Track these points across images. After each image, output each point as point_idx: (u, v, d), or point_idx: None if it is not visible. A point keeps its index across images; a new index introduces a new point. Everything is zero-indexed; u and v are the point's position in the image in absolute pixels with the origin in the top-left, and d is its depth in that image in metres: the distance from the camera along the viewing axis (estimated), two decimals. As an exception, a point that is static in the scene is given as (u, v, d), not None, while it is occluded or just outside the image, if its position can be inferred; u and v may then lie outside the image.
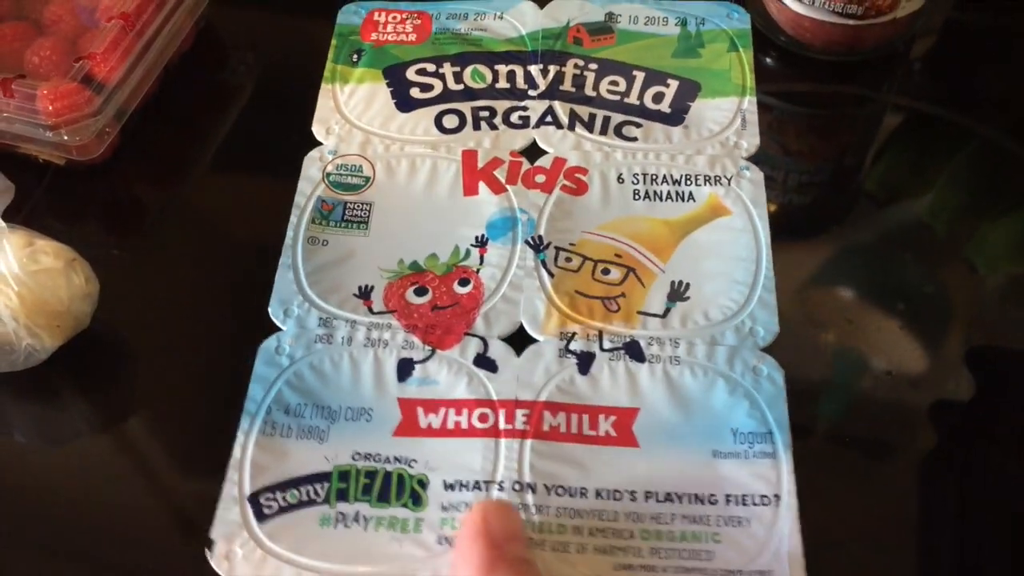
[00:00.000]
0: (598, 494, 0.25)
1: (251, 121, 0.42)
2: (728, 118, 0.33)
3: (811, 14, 0.44)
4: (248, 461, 0.26)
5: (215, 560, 0.24)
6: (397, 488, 0.25)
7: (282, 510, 0.25)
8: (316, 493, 0.25)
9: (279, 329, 0.28)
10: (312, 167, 0.32)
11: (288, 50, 0.44)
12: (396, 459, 0.26)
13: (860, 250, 0.42)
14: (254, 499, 0.25)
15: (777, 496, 0.25)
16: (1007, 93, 0.46)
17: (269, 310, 0.29)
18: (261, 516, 0.25)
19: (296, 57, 0.40)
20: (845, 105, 0.47)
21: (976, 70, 0.47)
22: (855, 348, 0.37)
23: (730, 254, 0.29)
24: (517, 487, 0.25)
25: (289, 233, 0.30)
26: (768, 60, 0.47)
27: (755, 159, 0.32)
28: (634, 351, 0.28)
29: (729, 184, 0.31)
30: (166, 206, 0.40)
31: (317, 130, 0.33)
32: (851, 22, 0.44)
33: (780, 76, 0.47)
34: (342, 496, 0.25)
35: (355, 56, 0.35)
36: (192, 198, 0.40)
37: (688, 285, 0.29)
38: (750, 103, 0.33)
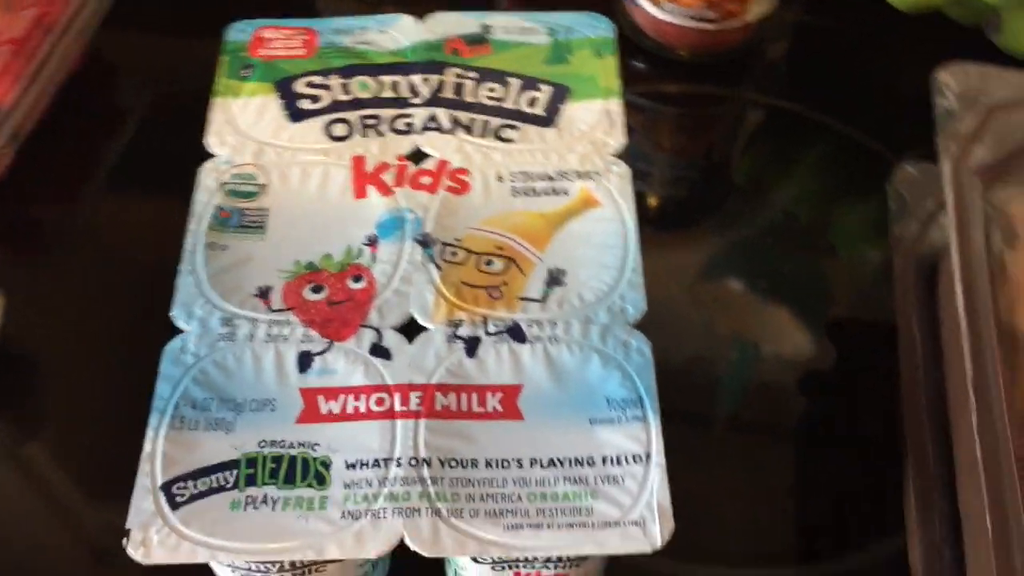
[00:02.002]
0: (488, 464, 0.28)
1: (146, 138, 0.44)
2: (596, 119, 0.35)
3: (671, 19, 0.48)
4: (159, 454, 0.27)
5: (132, 547, 0.26)
6: (302, 470, 0.27)
7: (194, 497, 0.27)
8: (225, 480, 0.27)
9: (183, 331, 0.30)
10: (208, 178, 0.33)
11: (178, 70, 0.45)
12: (300, 444, 0.28)
13: (729, 238, 0.46)
14: (167, 488, 0.27)
15: (648, 455, 0.28)
16: (855, 88, 0.51)
17: (172, 314, 0.30)
18: (174, 504, 0.27)
19: (187, 76, 0.42)
20: (711, 104, 0.51)
21: (826, 68, 0.52)
22: (723, 324, 0.41)
23: (600, 242, 0.32)
24: (413, 462, 0.28)
25: (188, 240, 0.32)
26: (638, 64, 0.51)
27: (625, 155, 0.35)
28: (516, 333, 0.30)
29: (599, 178, 0.34)
30: (66, 223, 0.41)
31: (211, 143, 0.34)
32: (708, 26, 0.48)
33: (650, 78, 0.51)
34: (250, 481, 0.27)
35: (245, 71, 0.36)
36: (92, 215, 0.42)
37: (564, 271, 0.32)
38: (616, 104, 0.36)
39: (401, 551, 0.26)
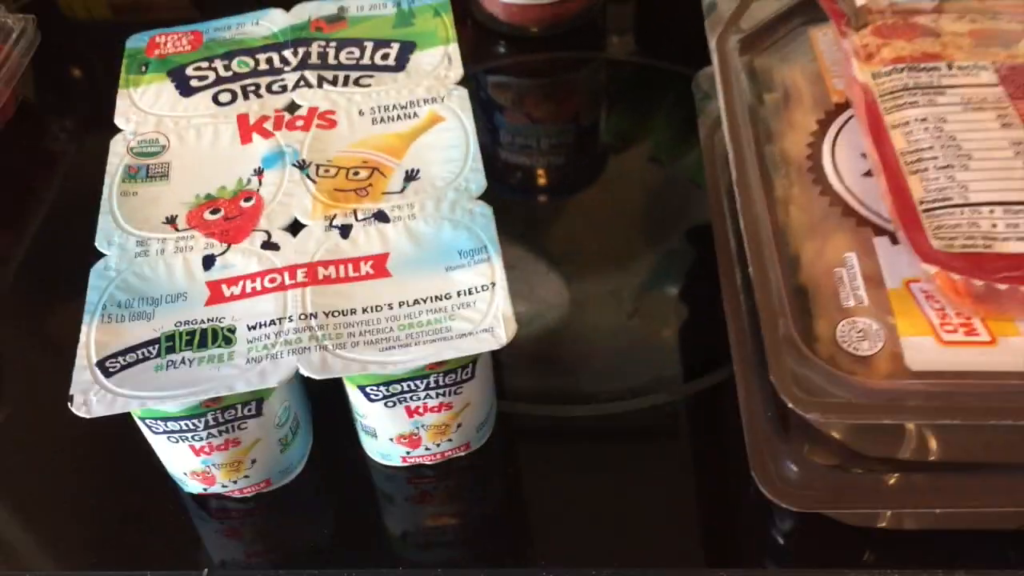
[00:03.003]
0: (363, 310, 0.34)
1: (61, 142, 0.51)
2: (438, 60, 0.43)
3: (517, 0, 0.55)
4: (92, 342, 0.33)
5: (75, 407, 0.31)
6: (212, 337, 0.33)
7: (123, 367, 0.33)
8: (149, 352, 0.33)
9: (105, 255, 0.36)
10: (118, 145, 0.40)
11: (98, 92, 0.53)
12: (209, 319, 0.34)
13: (609, 200, 0.52)
14: (100, 364, 0.33)
15: (493, 283, 0.34)
16: (691, 38, 0.58)
17: (95, 242, 0.36)
18: (107, 373, 0.32)
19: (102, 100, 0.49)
20: (569, 69, 0.59)
21: (663, 21, 0.60)
22: (570, 237, 0.47)
23: (447, 144, 0.39)
24: (303, 317, 0.34)
25: (105, 191, 0.38)
26: (500, 47, 0.59)
27: (464, 83, 0.42)
28: (381, 216, 0.37)
29: (443, 102, 0.41)
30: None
31: (118, 120, 0.41)
32: (546, 1, 0.55)
33: (510, 55, 0.58)
34: (170, 350, 0.33)
35: (143, 67, 0.43)
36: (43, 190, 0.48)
37: (418, 170, 0.38)
38: (453, 48, 0.43)
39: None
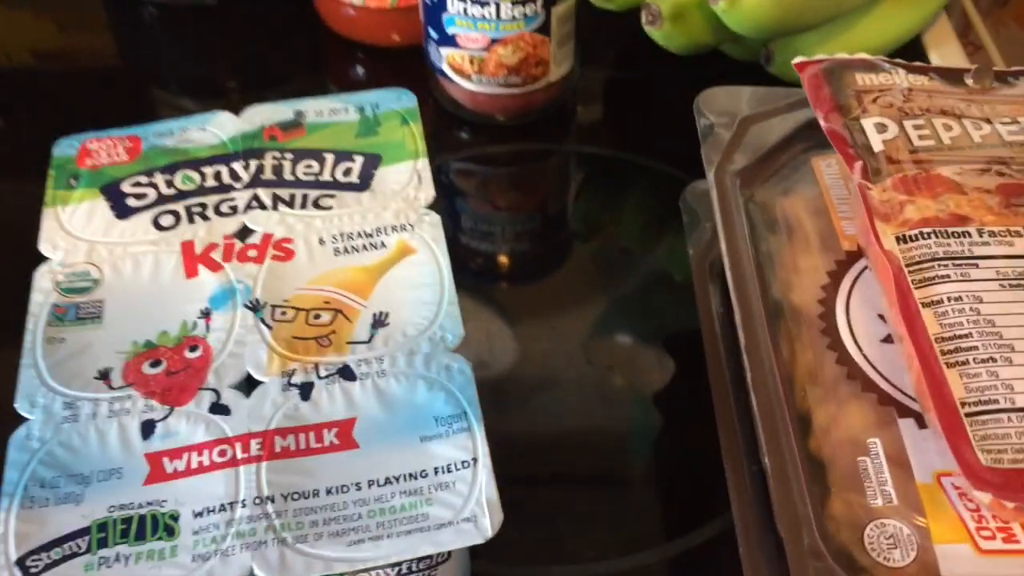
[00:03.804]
0: (328, 491, 0.30)
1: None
2: (407, 178, 0.39)
3: (483, 89, 0.52)
4: (11, 534, 0.29)
5: (-11, 622, 0.27)
6: (151, 526, 0.29)
7: (48, 567, 0.28)
8: (78, 546, 0.29)
9: (27, 420, 0.31)
10: (43, 280, 0.35)
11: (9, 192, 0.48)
12: (148, 503, 0.30)
13: (580, 283, 0.49)
14: (20, 563, 0.28)
15: (475, 459, 0.30)
16: (656, 129, 0.56)
17: (15, 406, 0.32)
18: (29, 575, 0.28)
19: (17, 196, 0.44)
20: (535, 160, 0.56)
21: (631, 114, 0.57)
22: (542, 342, 0.44)
23: (418, 283, 0.35)
24: (258, 501, 0.29)
25: (27, 338, 0.34)
26: (463, 134, 0.55)
27: (436, 207, 0.38)
28: (346, 373, 0.33)
29: (413, 229, 0.37)
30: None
31: (44, 248, 0.36)
32: (516, 91, 0.52)
33: (475, 144, 0.55)
34: (102, 543, 0.29)
35: (72, 181, 0.39)
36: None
37: (387, 313, 0.34)
38: (423, 164, 0.39)
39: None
